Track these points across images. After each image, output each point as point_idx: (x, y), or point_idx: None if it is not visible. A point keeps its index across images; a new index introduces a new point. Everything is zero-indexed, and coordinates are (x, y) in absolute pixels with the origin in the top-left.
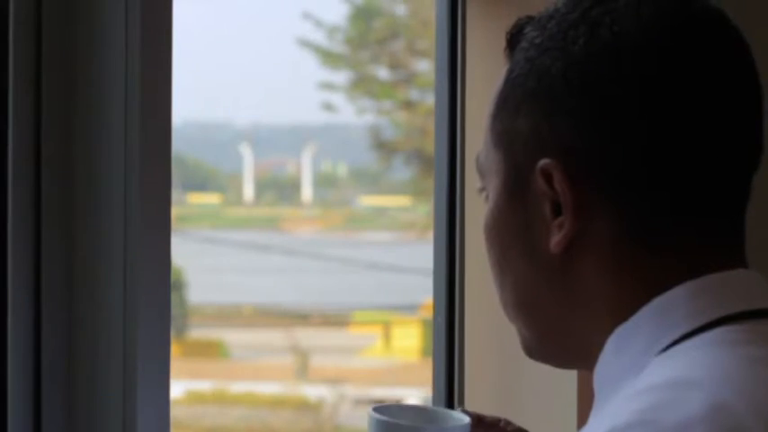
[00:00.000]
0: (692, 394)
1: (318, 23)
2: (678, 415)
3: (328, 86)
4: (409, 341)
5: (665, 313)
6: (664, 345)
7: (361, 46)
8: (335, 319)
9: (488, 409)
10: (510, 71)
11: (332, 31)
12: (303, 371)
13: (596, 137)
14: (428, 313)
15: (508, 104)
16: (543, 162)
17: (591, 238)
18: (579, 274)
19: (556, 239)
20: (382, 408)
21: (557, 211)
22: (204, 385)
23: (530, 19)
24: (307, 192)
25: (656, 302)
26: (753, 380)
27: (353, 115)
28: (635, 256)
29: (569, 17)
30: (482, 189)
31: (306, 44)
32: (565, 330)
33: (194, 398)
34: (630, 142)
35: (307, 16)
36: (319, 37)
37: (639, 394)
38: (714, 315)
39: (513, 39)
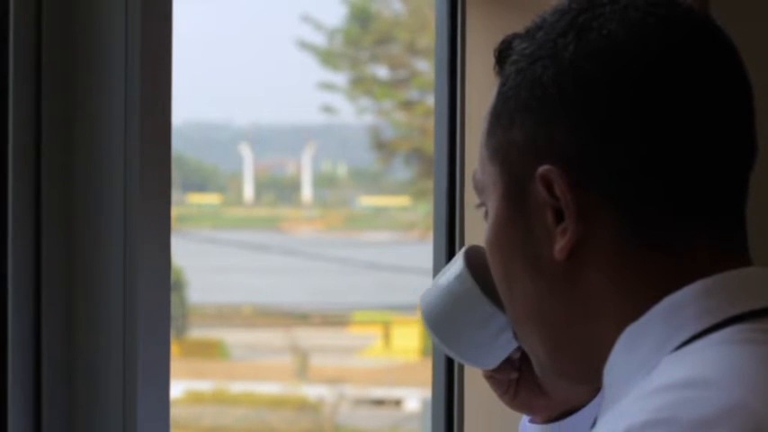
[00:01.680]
0: (709, 393)
1: (318, 25)
2: (696, 414)
3: (328, 87)
4: (409, 341)
5: (677, 312)
6: (675, 344)
7: (361, 46)
8: (335, 319)
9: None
10: (502, 84)
11: (331, 32)
12: (303, 371)
13: (593, 140)
14: None
15: (502, 118)
16: (542, 169)
17: (594, 243)
18: (585, 281)
19: (560, 246)
20: (477, 264)
21: (558, 217)
22: (204, 385)
23: (516, 35)
24: (307, 192)
25: (667, 301)
26: (767, 379)
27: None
28: (642, 257)
29: (557, 25)
30: (480, 205)
31: (305, 45)
32: (575, 341)
33: (194, 398)
34: (626, 144)
35: (306, 18)
36: (319, 38)
37: (655, 393)
38: (726, 314)
39: (502, 54)
